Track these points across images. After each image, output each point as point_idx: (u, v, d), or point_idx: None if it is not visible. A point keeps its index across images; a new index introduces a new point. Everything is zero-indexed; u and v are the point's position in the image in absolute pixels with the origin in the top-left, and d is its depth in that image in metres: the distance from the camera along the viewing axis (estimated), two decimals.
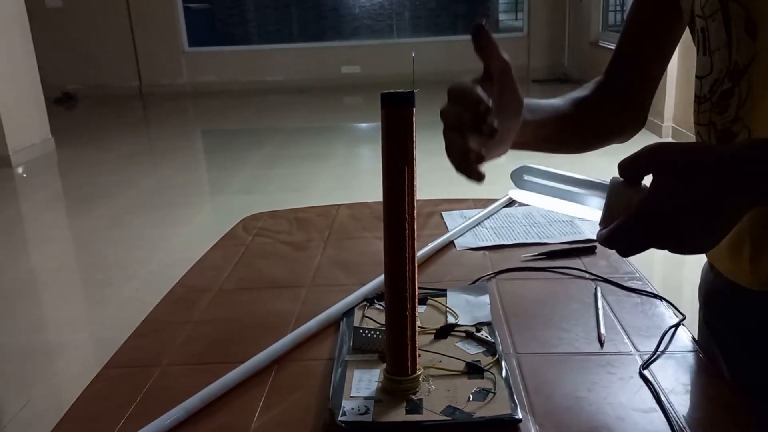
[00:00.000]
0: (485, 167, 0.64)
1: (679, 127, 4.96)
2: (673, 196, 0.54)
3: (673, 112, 5.06)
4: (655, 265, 2.93)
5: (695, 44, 0.74)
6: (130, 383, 0.77)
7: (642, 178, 0.58)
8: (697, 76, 0.74)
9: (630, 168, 0.58)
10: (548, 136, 0.78)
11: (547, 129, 0.77)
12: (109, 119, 7.23)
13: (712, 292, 0.81)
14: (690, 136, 4.84)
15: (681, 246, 0.56)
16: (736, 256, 0.72)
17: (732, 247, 0.73)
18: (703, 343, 0.82)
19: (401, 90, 0.64)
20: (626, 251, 0.59)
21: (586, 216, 0.66)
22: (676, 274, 2.84)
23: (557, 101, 0.81)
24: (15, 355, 2.49)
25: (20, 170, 5.07)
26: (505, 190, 1.36)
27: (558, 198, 0.65)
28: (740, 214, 0.55)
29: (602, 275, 0.97)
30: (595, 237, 0.62)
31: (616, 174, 0.62)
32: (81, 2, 8.16)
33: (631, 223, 0.56)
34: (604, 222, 0.61)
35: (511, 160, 0.75)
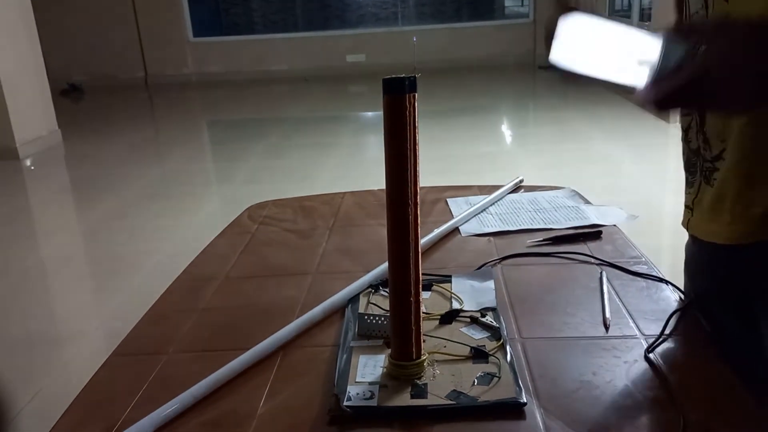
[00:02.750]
0: None
1: None
2: (730, 58, 0.55)
3: None
4: (661, 249, 2.92)
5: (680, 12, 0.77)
6: (137, 371, 0.77)
7: (696, 43, 0.58)
8: None
9: (689, 29, 0.59)
10: None
11: None
12: (115, 110, 7.24)
13: (696, 265, 0.84)
14: None
15: (719, 105, 0.60)
16: (717, 216, 0.74)
17: (713, 207, 0.75)
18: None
19: (403, 75, 0.64)
20: (670, 104, 0.59)
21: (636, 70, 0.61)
22: (681, 259, 2.83)
23: None
24: (25, 345, 2.51)
25: (28, 162, 5.09)
26: (510, 177, 1.35)
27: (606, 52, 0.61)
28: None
29: (608, 260, 0.97)
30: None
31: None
32: None
33: (689, 73, 0.57)
34: (654, 75, 0.59)
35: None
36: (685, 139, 0.81)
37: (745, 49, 0.56)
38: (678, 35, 0.59)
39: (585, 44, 0.61)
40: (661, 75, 0.59)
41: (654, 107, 0.60)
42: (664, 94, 0.59)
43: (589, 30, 0.61)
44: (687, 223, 0.83)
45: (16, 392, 2.17)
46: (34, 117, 5.38)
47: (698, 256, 0.84)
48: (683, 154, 0.82)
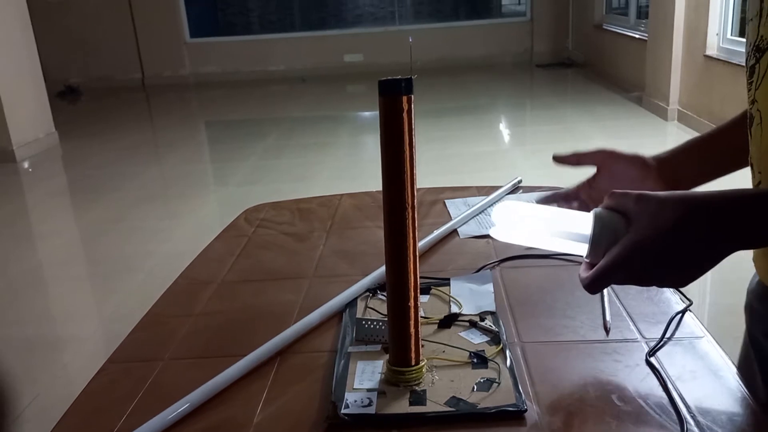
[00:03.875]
0: None
1: (685, 110, 4.92)
2: (657, 245, 0.57)
3: (678, 95, 5.02)
4: None
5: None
6: (132, 378, 0.76)
7: (625, 214, 0.60)
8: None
9: (619, 199, 0.61)
10: (709, 162, 0.79)
11: (697, 157, 0.79)
12: (112, 112, 7.23)
13: (756, 298, 0.75)
14: (696, 119, 4.77)
15: (660, 284, 0.61)
16: (766, 252, 0.69)
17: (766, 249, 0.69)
18: (743, 364, 0.77)
19: (399, 76, 0.63)
20: (601, 287, 0.62)
21: (571, 251, 0.66)
22: None
23: (725, 122, 0.80)
24: (23, 348, 2.50)
25: (26, 165, 5.08)
26: (508, 177, 1.35)
27: (540, 235, 0.66)
28: (721, 258, 0.57)
29: None
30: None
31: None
32: None
33: (617, 265, 0.59)
34: (590, 255, 0.63)
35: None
36: None
37: (671, 232, 0.56)
38: (611, 200, 0.62)
39: (521, 226, 0.67)
40: (596, 252, 0.62)
41: (586, 289, 0.62)
42: (605, 280, 0.61)
43: (522, 214, 0.67)
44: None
45: (16, 396, 2.16)
46: (31, 119, 5.37)
47: (758, 291, 0.75)
48: None
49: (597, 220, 0.62)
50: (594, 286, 0.61)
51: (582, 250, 0.64)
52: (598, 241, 0.62)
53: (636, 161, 0.79)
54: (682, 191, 0.59)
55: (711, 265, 0.57)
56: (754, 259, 0.73)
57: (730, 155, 0.77)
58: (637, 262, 0.58)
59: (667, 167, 0.79)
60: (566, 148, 0.85)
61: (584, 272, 0.63)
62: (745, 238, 0.56)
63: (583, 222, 0.63)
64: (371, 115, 6.16)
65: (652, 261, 0.58)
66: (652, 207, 0.58)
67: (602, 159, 0.81)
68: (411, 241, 0.67)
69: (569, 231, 0.64)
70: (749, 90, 0.66)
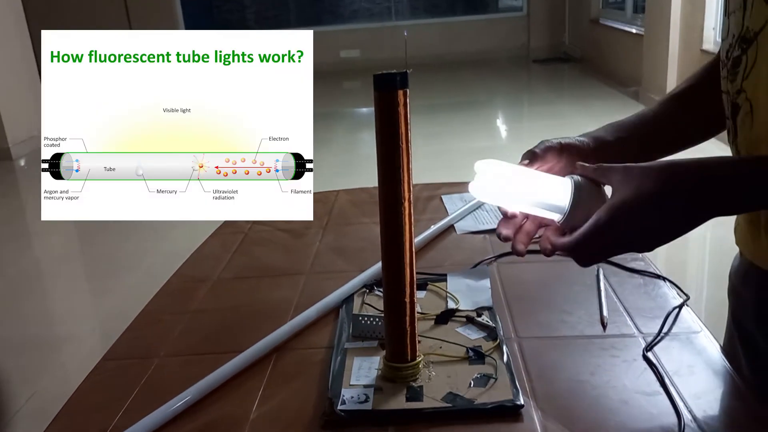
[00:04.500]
0: None
1: None
2: (640, 213, 0.58)
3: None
4: None
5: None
6: (127, 375, 0.76)
7: (605, 184, 0.62)
8: (721, 39, 0.71)
9: (602, 172, 0.62)
10: (640, 145, 0.79)
11: (631, 141, 0.79)
12: None
13: (739, 281, 0.76)
14: None
15: (637, 250, 0.64)
16: (756, 236, 0.69)
17: (751, 227, 0.70)
18: (727, 345, 0.78)
19: (394, 71, 0.63)
20: (586, 262, 0.63)
21: (544, 216, 0.67)
22: (679, 254, 2.82)
23: (654, 107, 0.81)
24: (21, 346, 2.49)
25: (22, 162, 5.06)
26: None
27: (520, 196, 0.66)
28: (698, 224, 0.59)
29: None
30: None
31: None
32: None
33: (599, 231, 0.60)
34: (565, 221, 0.64)
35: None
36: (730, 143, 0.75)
37: (647, 205, 0.58)
38: (593, 172, 0.63)
39: (500, 187, 0.67)
40: (572, 218, 0.63)
41: (578, 263, 0.63)
42: (582, 250, 0.61)
43: (503, 175, 0.68)
44: (735, 229, 0.75)
45: (12, 394, 2.16)
46: (27, 116, 5.34)
47: (742, 272, 0.76)
48: None
49: (576, 188, 0.63)
50: (576, 251, 0.62)
51: (555, 216, 0.65)
52: (575, 209, 0.63)
53: (577, 149, 0.76)
54: (665, 160, 0.60)
55: (687, 230, 0.59)
56: (738, 242, 0.74)
57: (661, 142, 0.78)
58: (618, 230, 0.59)
59: (607, 151, 0.76)
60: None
61: (554, 235, 0.64)
62: (724, 206, 0.58)
63: (560, 188, 0.64)
64: (368, 110, 6.15)
65: (633, 228, 0.59)
66: (634, 176, 0.59)
67: (546, 154, 0.79)
68: (407, 236, 0.67)
69: (545, 196, 0.65)
70: (733, 81, 0.66)
